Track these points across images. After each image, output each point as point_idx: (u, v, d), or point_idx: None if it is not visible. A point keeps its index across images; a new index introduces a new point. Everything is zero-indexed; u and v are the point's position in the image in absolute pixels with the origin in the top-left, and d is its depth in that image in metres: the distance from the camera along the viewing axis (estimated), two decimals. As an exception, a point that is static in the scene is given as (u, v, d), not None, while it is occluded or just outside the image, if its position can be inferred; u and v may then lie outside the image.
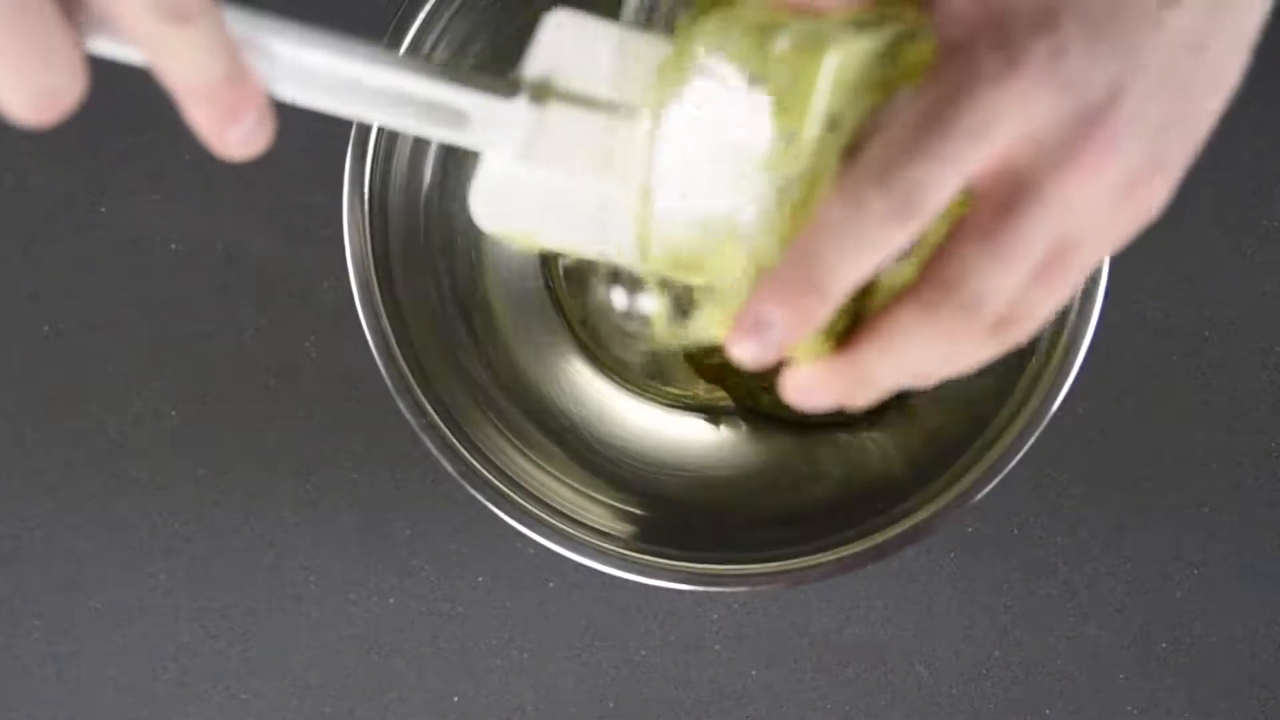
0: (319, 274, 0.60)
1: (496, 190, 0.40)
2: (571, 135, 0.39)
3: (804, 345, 0.32)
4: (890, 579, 0.60)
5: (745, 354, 0.30)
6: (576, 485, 0.51)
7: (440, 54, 0.48)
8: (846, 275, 0.29)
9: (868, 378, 0.31)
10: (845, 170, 0.30)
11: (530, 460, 0.50)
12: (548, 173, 0.38)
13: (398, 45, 0.47)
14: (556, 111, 0.38)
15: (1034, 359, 0.47)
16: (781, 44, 0.31)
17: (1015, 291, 0.29)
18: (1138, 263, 0.59)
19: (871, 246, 0.29)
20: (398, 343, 0.47)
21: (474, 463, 0.47)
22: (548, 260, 0.58)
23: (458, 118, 0.39)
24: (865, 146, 0.30)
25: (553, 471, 0.51)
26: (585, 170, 0.38)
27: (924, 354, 0.30)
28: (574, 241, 0.40)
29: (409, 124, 0.39)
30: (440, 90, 0.39)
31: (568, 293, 0.56)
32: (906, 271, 0.31)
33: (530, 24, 0.52)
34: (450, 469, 0.47)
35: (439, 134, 0.38)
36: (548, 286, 0.59)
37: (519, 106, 0.38)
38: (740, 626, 0.60)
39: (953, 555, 0.60)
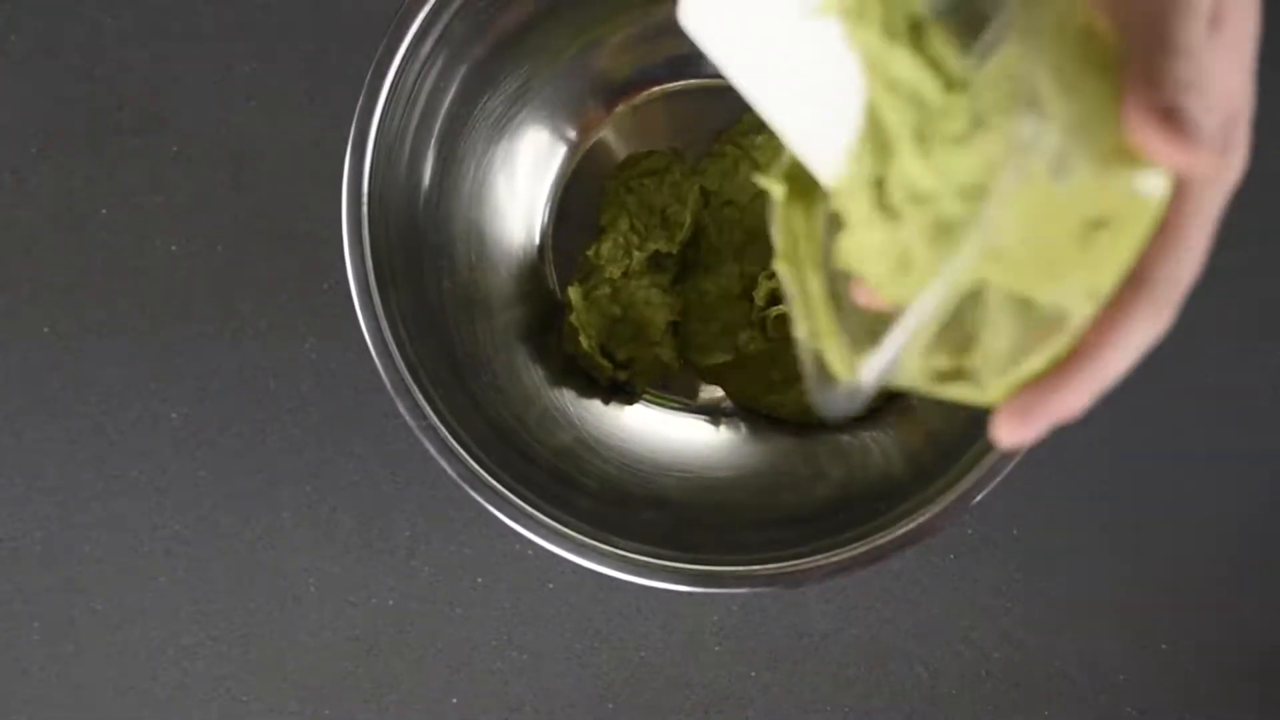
0: (319, 275, 0.60)
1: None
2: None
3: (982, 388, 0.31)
4: (890, 580, 0.60)
5: (1019, 439, 0.30)
6: (576, 487, 0.51)
7: (441, 56, 0.48)
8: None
9: (1105, 377, 0.32)
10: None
11: (530, 462, 0.50)
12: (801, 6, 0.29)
13: (397, 48, 0.47)
14: None
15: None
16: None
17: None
18: (1138, 263, 0.59)
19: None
20: (397, 344, 0.47)
21: (473, 464, 0.47)
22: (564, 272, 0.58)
23: None
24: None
25: (552, 473, 0.51)
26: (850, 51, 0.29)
27: (1142, 344, 0.31)
28: (778, 107, 0.32)
29: None
30: None
31: (586, 308, 0.56)
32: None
33: (529, 24, 0.52)
34: (450, 470, 0.47)
35: None
36: (551, 289, 0.59)
37: None
38: (740, 627, 0.60)
39: (953, 557, 0.60)
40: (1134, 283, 0.29)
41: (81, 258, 0.60)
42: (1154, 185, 0.29)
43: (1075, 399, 0.31)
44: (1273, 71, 0.60)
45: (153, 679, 0.60)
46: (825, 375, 0.33)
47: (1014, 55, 0.27)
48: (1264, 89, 0.60)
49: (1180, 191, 0.30)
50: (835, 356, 0.33)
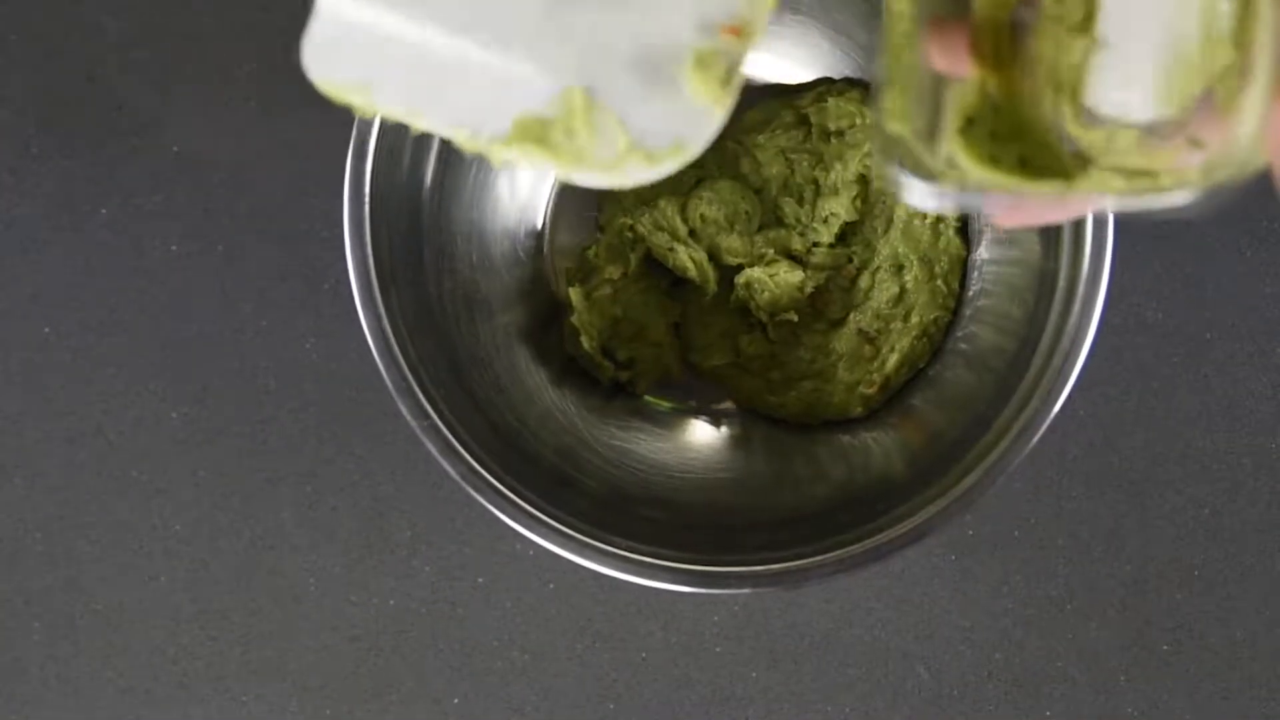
0: (319, 275, 0.60)
1: (336, 33, 0.37)
2: None
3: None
4: (891, 580, 0.60)
5: None
6: (577, 487, 0.51)
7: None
8: None
9: None
10: None
11: (530, 462, 0.50)
12: (402, 14, 0.36)
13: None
14: None
15: (1035, 359, 0.47)
16: None
17: None
18: (1138, 264, 0.59)
19: None
20: (398, 344, 0.47)
21: (474, 464, 0.47)
22: (569, 279, 0.58)
23: None
24: None
25: (553, 473, 0.51)
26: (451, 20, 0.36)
27: None
28: (420, 106, 0.37)
29: None
30: None
31: (587, 308, 0.56)
32: None
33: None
34: (451, 470, 0.47)
35: None
36: (552, 290, 0.59)
37: None
38: (741, 628, 0.60)
39: (953, 557, 0.60)
40: None
41: (81, 258, 0.60)
42: None
43: None
44: None
45: (153, 679, 0.60)
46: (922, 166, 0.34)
47: None
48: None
49: None
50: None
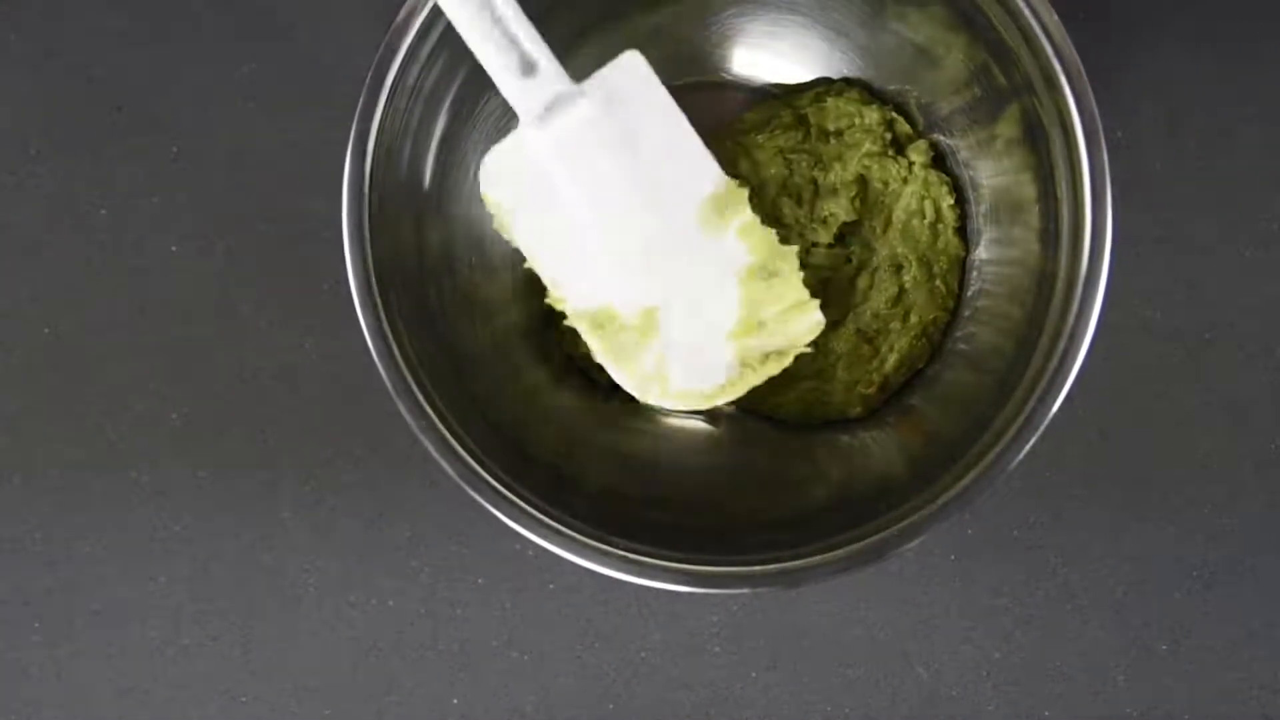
0: (319, 276, 0.60)
1: (512, 160, 0.43)
2: (603, 163, 0.43)
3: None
4: (890, 580, 0.60)
5: None
6: (577, 487, 0.51)
7: (442, 56, 0.48)
8: None
9: None
10: None
11: (530, 462, 0.50)
12: (569, 171, 0.41)
13: (397, 48, 0.47)
14: (602, 128, 0.43)
15: (1034, 359, 0.47)
16: None
17: None
18: (1138, 264, 0.59)
19: None
20: (397, 345, 0.47)
21: (473, 464, 0.47)
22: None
23: (529, 65, 0.41)
24: None
25: (552, 473, 0.51)
26: (599, 196, 0.41)
27: None
28: (538, 249, 0.44)
29: (489, 49, 0.42)
30: (533, 33, 0.43)
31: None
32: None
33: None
34: (450, 471, 0.47)
35: (507, 72, 0.42)
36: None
37: (585, 97, 0.42)
38: (740, 628, 0.60)
39: (953, 557, 0.60)
40: None
41: (81, 258, 0.60)
42: None
43: None
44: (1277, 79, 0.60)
45: (153, 679, 0.60)
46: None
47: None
48: (1268, 95, 0.61)
49: None
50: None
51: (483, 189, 0.43)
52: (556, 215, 0.43)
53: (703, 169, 0.45)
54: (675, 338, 0.45)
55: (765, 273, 0.43)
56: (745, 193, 0.43)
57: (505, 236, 0.45)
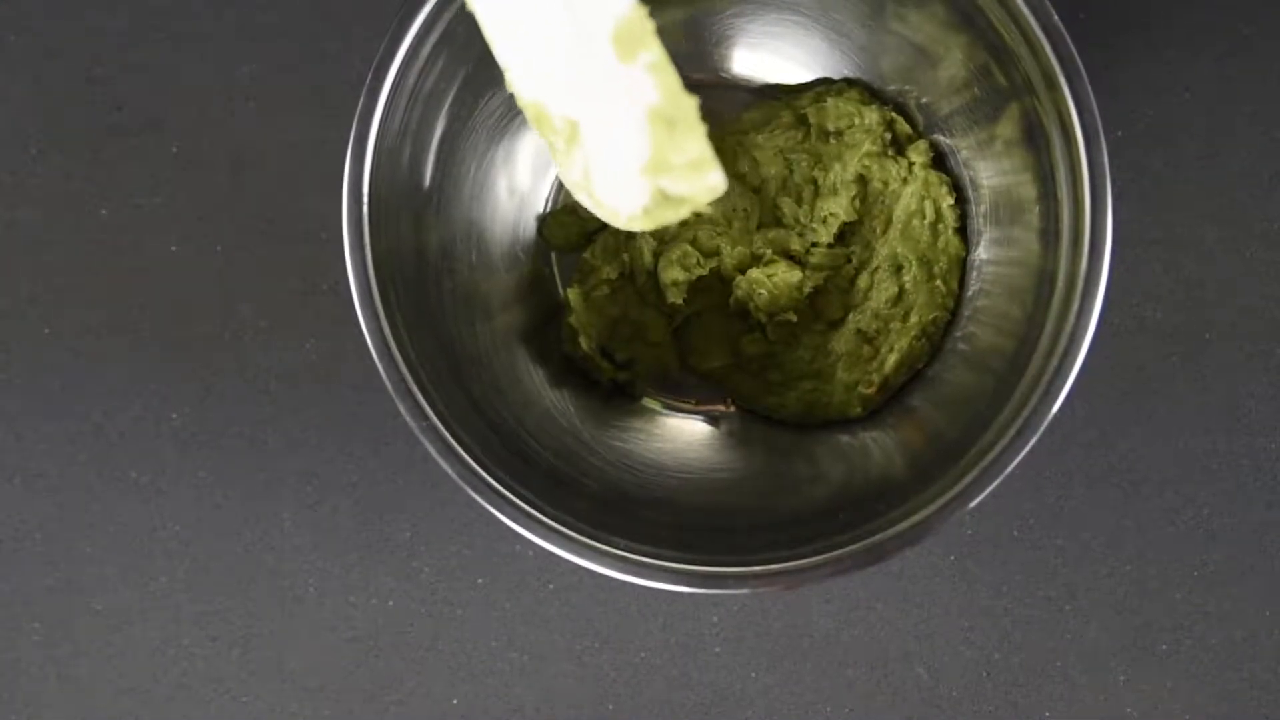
0: (319, 276, 0.60)
1: None
2: None
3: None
4: (890, 581, 0.60)
5: None
6: (576, 487, 0.51)
7: (442, 56, 0.48)
8: None
9: None
10: None
11: (530, 463, 0.50)
12: None
13: (397, 48, 0.47)
14: None
15: (1034, 359, 0.47)
16: None
17: None
18: (1137, 264, 0.59)
19: None
20: (397, 345, 0.47)
21: (473, 465, 0.47)
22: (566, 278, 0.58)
23: None
24: None
25: (552, 474, 0.51)
26: None
27: None
28: (491, 29, 0.44)
29: None
30: None
31: (585, 308, 0.56)
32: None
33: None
34: (450, 471, 0.47)
35: None
36: (552, 290, 0.59)
37: None
38: (740, 628, 0.60)
39: (953, 557, 0.60)
40: None
41: (81, 258, 0.60)
42: None
43: None
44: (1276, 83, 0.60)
45: (153, 679, 0.60)
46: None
47: None
48: (1268, 95, 0.61)
49: None
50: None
51: None
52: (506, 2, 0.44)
53: None
54: (595, 155, 0.46)
55: (667, 119, 0.44)
56: (652, 25, 0.43)
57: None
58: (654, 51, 0.43)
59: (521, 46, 0.45)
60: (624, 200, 0.47)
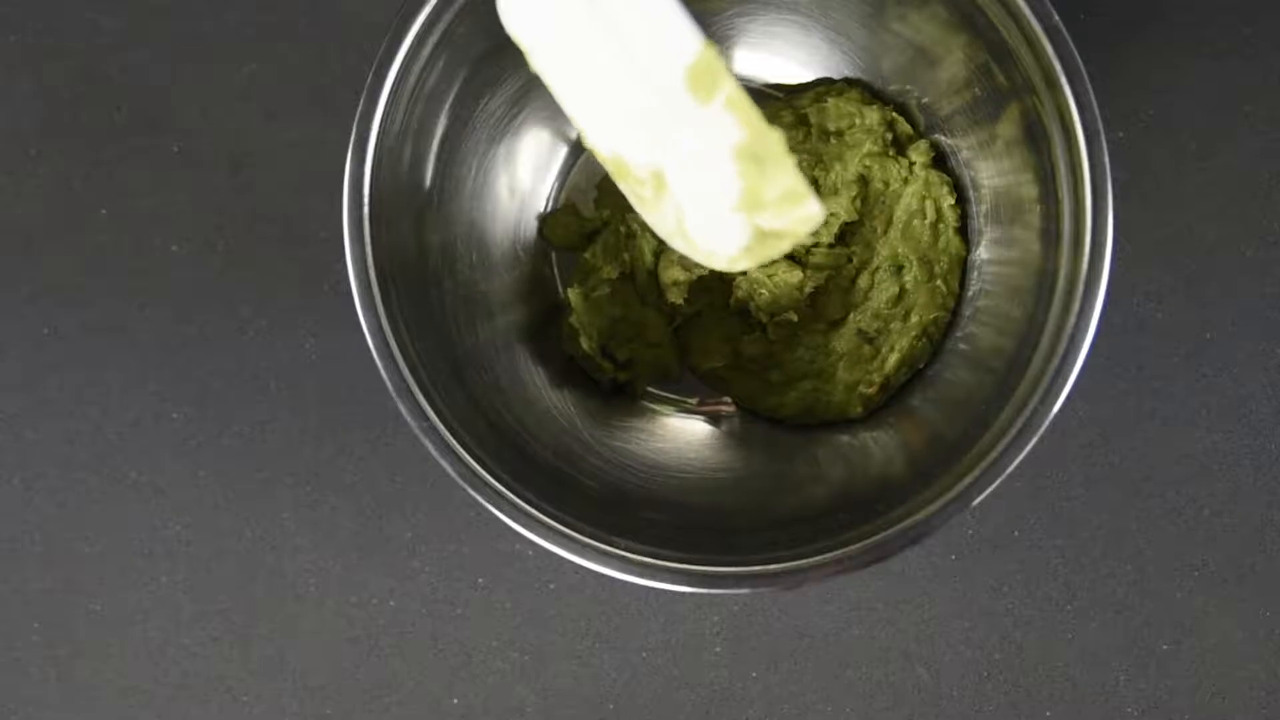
0: (319, 275, 0.60)
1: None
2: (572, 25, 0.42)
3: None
4: (891, 581, 0.60)
5: None
6: (576, 487, 0.51)
7: (442, 56, 0.48)
8: None
9: None
10: None
11: (530, 462, 0.50)
12: (590, 12, 0.41)
13: (397, 48, 0.47)
14: None
15: (1034, 359, 0.47)
16: None
17: None
18: (1138, 264, 0.59)
19: None
20: (397, 345, 0.47)
21: (473, 464, 0.47)
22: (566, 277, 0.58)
23: None
24: None
25: (552, 474, 0.51)
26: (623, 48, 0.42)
27: None
28: (558, 86, 0.44)
29: None
30: None
31: (586, 308, 0.56)
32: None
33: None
34: (450, 471, 0.47)
35: None
36: (552, 290, 0.59)
37: None
38: (741, 628, 0.60)
39: (953, 557, 0.60)
40: None
41: (81, 258, 0.60)
42: None
43: None
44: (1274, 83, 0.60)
45: (153, 679, 0.60)
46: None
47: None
48: (1268, 95, 0.61)
49: None
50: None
51: (502, 18, 0.44)
52: (569, 56, 0.43)
53: (680, 34, 0.43)
54: (686, 200, 0.46)
55: (753, 154, 0.43)
56: (724, 64, 0.42)
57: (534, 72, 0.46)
58: (730, 88, 0.42)
59: (594, 102, 0.45)
60: (723, 241, 0.46)
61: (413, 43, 0.47)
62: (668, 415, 0.58)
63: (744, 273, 0.56)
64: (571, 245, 0.58)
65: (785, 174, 0.43)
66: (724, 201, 0.45)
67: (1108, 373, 0.59)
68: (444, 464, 0.47)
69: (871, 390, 0.55)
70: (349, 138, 0.47)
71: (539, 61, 0.44)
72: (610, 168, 0.46)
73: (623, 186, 0.47)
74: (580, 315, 0.56)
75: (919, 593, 0.60)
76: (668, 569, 0.47)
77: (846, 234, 0.57)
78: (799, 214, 0.44)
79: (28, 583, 0.60)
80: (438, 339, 0.50)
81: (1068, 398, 0.46)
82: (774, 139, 0.43)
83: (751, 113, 0.43)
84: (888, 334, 0.55)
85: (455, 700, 0.60)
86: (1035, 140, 0.48)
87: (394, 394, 0.47)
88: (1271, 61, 0.60)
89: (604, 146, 0.46)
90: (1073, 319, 0.46)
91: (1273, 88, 0.60)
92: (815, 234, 0.57)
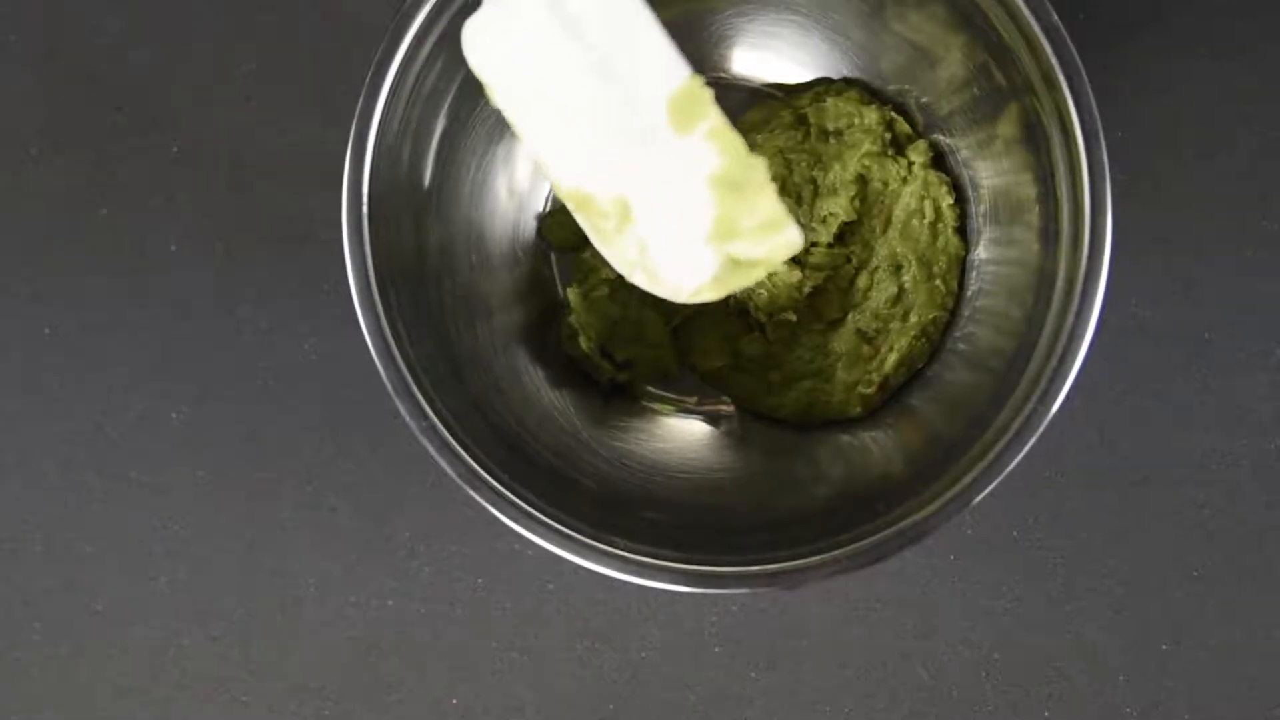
0: (318, 275, 0.60)
1: (487, 31, 0.43)
2: (552, 49, 0.42)
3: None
4: (890, 581, 0.60)
5: None
6: (576, 487, 0.51)
7: (441, 56, 0.48)
8: None
9: None
10: None
11: (530, 462, 0.50)
12: (569, 39, 0.41)
13: (397, 48, 0.47)
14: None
15: (1034, 359, 0.47)
16: None
17: None
18: (1138, 264, 0.59)
19: None
20: (397, 345, 0.47)
21: (473, 465, 0.47)
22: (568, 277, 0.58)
23: None
24: None
25: (552, 474, 0.51)
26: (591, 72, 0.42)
27: None
28: (520, 123, 0.43)
29: None
30: None
31: (585, 308, 0.56)
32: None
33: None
34: (450, 471, 0.47)
35: None
36: (551, 290, 0.59)
37: None
38: (740, 628, 0.60)
39: (952, 557, 0.60)
40: None
41: (81, 258, 0.60)
42: None
43: None
44: (1273, 82, 0.60)
45: (153, 679, 0.60)
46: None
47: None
48: (1267, 95, 0.61)
49: None
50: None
51: (465, 55, 0.44)
52: (534, 89, 0.43)
53: (666, 64, 0.43)
54: (652, 232, 0.45)
55: (731, 183, 0.43)
56: (710, 94, 0.42)
57: (494, 107, 0.46)
58: (713, 119, 0.42)
59: (558, 135, 0.44)
60: (688, 273, 0.46)
61: (412, 43, 0.47)
62: (667, 415, 0.58)
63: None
64: (570, 245, 0.58)
65: (766, 201, 0.43)
66: (695, 231, 0.44)
67: (1107, 373, 0.59)
68: (444, 464, 0.47)
69: (871, 390, 0.55)
70: (348, 138, 0.47)
71: (503, 97, 0.44)
72: (571, 202, 0.46)
73: (581, 219, 0.47)
74: (579, 315, 0.56)
75: (918, 593, 0.60)
76: (667, 569, 0.47)
77: (845, 234, 0.57)
78: (778, 240, 0.44)
79: (28, 583, 0.60)
80: (437, 339, 0.50)
81: (1066, 398, 0.46)
82: (757, 167, 0.43)
83: (733, 141, 0.43)
84: (887, 334, 0.55)
85: (455, 700, 0.60)
86: (1034, 140, 0.48)
87: (394, 394, 0.47)
88: (1271, 61, 0.60)
89: (567, 181, 0.45)
90: (1071, 319, 0.46)
91: (1272, 88, 0.60)
92: (815, 234, 0.57)
